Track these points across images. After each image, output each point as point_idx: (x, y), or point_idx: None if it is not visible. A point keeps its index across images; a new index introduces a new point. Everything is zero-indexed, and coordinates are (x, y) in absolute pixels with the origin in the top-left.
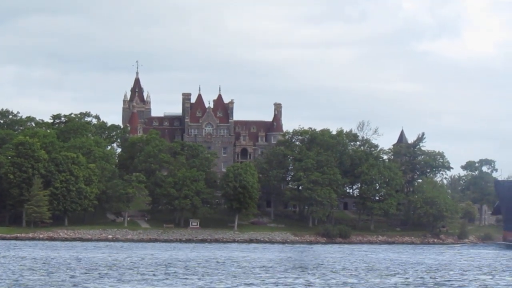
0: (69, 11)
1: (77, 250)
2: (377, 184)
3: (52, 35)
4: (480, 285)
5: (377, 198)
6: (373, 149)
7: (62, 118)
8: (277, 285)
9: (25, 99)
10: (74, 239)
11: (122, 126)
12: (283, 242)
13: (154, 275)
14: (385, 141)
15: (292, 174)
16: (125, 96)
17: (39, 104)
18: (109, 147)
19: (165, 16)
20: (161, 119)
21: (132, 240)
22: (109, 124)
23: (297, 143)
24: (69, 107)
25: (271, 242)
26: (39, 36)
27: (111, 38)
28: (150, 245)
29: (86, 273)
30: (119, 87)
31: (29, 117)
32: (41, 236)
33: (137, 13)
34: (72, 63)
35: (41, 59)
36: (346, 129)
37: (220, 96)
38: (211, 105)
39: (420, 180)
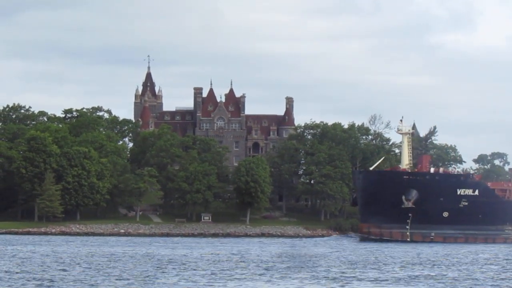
0: (77, 4)
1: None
2: None
3: (59, 29)
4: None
5: None
6: (385, 142)
7: (74, 113)
8: None
9: (34, 93)
10: (86, 234)
11: (133, 121)
12: (295, 236)
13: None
14: (397, 135)
15: (304, 168)
16: (136, 90)
17: (49, 99)
18: (121, 142)
19: (175, 10)
20: (172, 114)
21: (144, 235)
22: (120, 118)
23: (309, 137)
24: (79, 102)
25: (283, 236)
26: (46, 30)
27: (122, 32)
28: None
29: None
30: (130, 81)
31: (41, 111)
32: (53, 230)
33: (148, 7)
34: (82, 57)
35: (49, 53)
36: (358, 123)
37: (231, 90)
38: (223, 99)
39: None
